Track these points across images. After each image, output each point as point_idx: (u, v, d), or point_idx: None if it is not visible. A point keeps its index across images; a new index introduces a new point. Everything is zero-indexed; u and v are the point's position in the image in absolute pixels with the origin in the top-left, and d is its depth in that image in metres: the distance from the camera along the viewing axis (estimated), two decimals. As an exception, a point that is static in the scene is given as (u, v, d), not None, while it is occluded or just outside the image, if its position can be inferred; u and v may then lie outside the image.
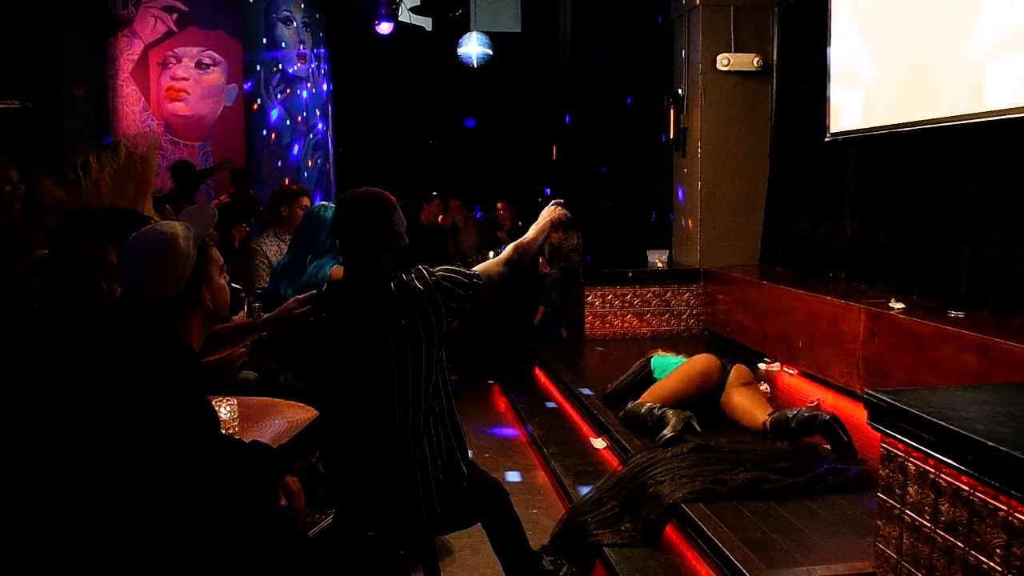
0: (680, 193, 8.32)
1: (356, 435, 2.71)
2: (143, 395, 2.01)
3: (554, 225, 3.15)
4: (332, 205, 4.45)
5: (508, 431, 6.02)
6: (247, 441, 2.55)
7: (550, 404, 6.31)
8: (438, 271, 2.79)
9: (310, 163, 9.43)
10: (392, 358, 2.66)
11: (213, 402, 3.00)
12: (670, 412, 4.52)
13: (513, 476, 5.13)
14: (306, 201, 5.44)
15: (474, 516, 3.07)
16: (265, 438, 2.86)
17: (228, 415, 3.05)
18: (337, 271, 4.18)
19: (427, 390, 2.71)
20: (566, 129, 12.34)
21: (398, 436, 2.69)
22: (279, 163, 9.11)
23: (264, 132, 9.03)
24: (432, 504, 2.75)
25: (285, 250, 4.81)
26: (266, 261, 5.10)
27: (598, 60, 11.37)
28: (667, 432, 4.39)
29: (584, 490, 4.35)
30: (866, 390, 2.77)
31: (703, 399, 4.78)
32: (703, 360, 4.94)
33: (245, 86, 8.93)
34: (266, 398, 3.60)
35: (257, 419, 3.28)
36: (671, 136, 8.33)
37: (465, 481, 2.85)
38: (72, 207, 2.67)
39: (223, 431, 2.94)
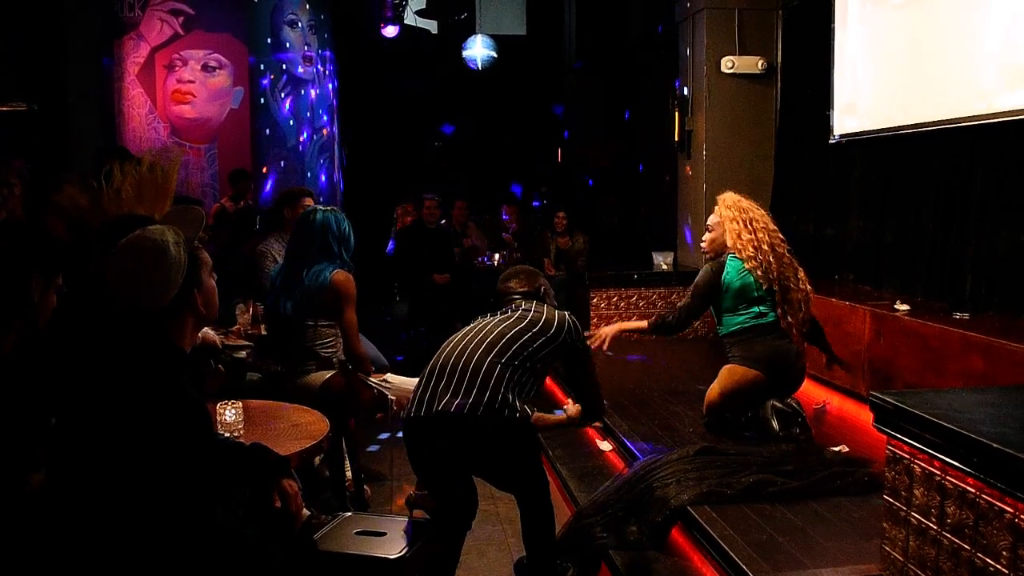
0: (685, 195, 8.32)
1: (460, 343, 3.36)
2: (136, 398, 2.01)
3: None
4: (323, 208, 4.37)
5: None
6: (248, 444, 2.55)
7: (555, 406, 6.30)
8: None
9: (315, 165, 9.44)
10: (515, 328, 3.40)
11: (219, 405, 3.02)
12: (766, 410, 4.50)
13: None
14: (308, 201, 5.42)
15: (510, 474, 3.40)
16: (270, 443, 2.86)
17: (233, 418, 3.05)
18: (339, 275, 4.15)
19: (524, 353, 3.35)
20: (571, 131, 12.35)
21: (488, 358, 3.28)
22: (284, 165, 9.13)
23: (270, 134, 9.05)
24: (469, 406, 3.16)
25: None
26: (275, 267, 5.10)
27: (603, 62, 11.37)
28: (777, 428, 4.46)
29: (590, 493, 4.34)
30: (872, 392, 2.76)
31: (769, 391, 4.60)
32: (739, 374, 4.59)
33: (251, 89, 8.94)
34: (271, 401, 3.61)
35: (262, 422, 3.29)
36: (676, 138, 8.33)
37: (519, 414, 3.28)
38: (93, 215, 2.68)
39: (227, 434, 2.95)
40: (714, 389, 4.65)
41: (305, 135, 9.30)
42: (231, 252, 6.11)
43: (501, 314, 3.51)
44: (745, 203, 4.65)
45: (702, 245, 4.85)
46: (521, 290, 3.60)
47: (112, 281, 2.12)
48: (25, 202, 4.66)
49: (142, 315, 2.11)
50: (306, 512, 2.78)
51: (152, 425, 2.00)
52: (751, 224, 4.55)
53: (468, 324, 3.51)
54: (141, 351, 2.08)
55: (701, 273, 4.68)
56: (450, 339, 3.45)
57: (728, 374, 4.60)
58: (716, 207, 4.73)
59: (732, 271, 4.56)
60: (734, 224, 4.58)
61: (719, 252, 4.67)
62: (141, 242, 2.13)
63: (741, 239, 4.54)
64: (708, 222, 4.81)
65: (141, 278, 2.11)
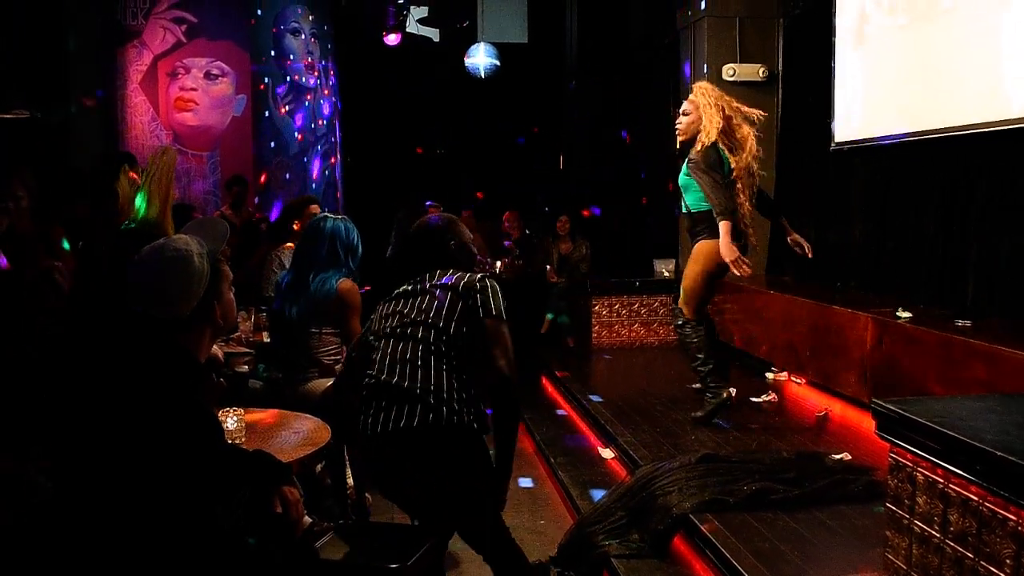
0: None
1: (385, 363, 2.96)
2: (149, 406, 2.02)
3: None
4: (332, 216, 4.40)
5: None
6: (250, 450, 2.55)
7: (558, 414, 6.31)
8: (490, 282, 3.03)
9: (318, 173, 9.45)
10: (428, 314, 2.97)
11: (220, 412, 3.01)
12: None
13: (521, 486, 5.12)
14: (315, 208, 5.45)
15: (460, 506, 2.98)
16: (272, 450, 2.85)
17: (235, 425, 3.05)
18: (345, 284, 4.16)
19: (446, 341, 2.92)
20: (573, 138, 12.35)
21: (418, 364, 2.90)
22: (287, 174, 9.14)
23: (272, 143, 9.06)
24: (411, 419, 2.82)
25: None
26: (281, 272, 5.11)
27: (605, 69, 11.39)
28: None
29: (592, 501, 4.34)
30: (874, 400, 2.76)
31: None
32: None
33: (253, 96, 8.96)
34: (273, 410, 3.60)
35: (263, 430, 3.29)
36: (677, 145, 8.32)
37: (458, 421, 2.86)
38: (126, 208, 2.69)
39: (229, 441, 2.94)
40: (692, 270, 4.98)
41: (307, 143, 9.31)
42: (236, 263, 6.11)
43: (417, 299, 3.02)
44: (721, 92, 5.05)
45: (678, 127, 5.13)
46: (433, 256, 3.13)
47: (133, 288, 2.12)
48: (33, 213, 4.66)
49: (160, 323, 2.11)
50: (308, 520, 2.78)
51: (164, 433, 2.01)
52: (726, 110, 4.93)
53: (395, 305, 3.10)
54: (157, 359, 2.09)
55: (703, 156, 4.88)
56: (383, 335, 3.04)
57: (703, 252, 4.92)
58: (692, 94, 5.07)
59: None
60: (711, 109, 4.91)
61: (693, 135, 5.00)
62: (165, 251, 2.13)
63: (713, 122, 4.88)
64: (683, 107, 5.12)
65: (163, 287, 2.11)
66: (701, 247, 4.94)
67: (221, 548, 2.09)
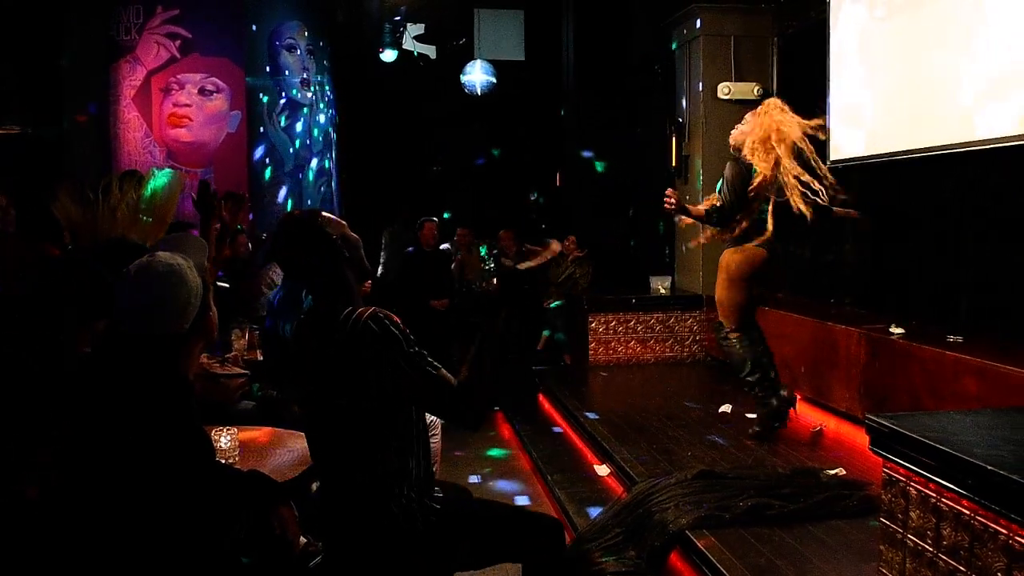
0: (682, 220, 8.34)
1: None
2: (143, 428, 2.01)
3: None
4: None
5: (512, 458, 6.00)
6: (245, 470, 2.55)
7: (554, 431, 6.30)
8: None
9: (313, 190, 9.47)
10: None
11: (213, 432, 3.01)
12: None
13: (517, 503, 5.11)
14: None
15: None
16: (267, 469, 2.86)
17: (228, 445, 3.04)
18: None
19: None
20: (569, 155, 12.38)
21: None
22: (282, 190, 9.15)
23: (267, 159, 9.07)
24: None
25: None
26: (272, 291, 5.11)
27: (601, 87, 11.43)
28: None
29: (588, 518, 4.34)
30: (867, 415, 2.77)
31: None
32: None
33: (248, 112, 8.97)
34: (267, 428, 3.60)
35: (258, 449, 3.29)
36: (673, 163, 8.37)
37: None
38: (84, 229, 2.65)
39: (223, 460, 2.94)
40: (719, 279, 5.04)
41: (303, 159, 9.32)
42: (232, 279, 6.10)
43: None
44: (787, 122, 5.06)
45: (732, 134, 5.12)
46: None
47: (126, 310, 2.10)
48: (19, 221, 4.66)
49: (156, 342, 2.10)
50: (303, 539, 2.77)
51: (162, 456, 2.00)
52: (774, 143, 4.98)
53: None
54: (155, 381, 2.07)
55: (728, 168, 5.01)
56: None
57: (724, 261, 5.04)
58: (762, 107, 5.13)
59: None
60: (759, 134, 4.99)
61: (740, 147, 5.03)
62: (157, 267, 2.12)
63: (754, 147, 4.96)
64: (747, 116, 5.15)
65: (162, 303, 2.10)
66: (723, 256, 5.04)
67: (217, 568, 2.09)
